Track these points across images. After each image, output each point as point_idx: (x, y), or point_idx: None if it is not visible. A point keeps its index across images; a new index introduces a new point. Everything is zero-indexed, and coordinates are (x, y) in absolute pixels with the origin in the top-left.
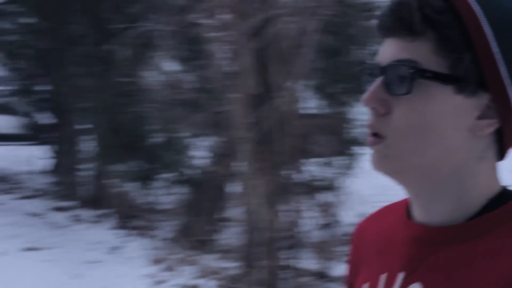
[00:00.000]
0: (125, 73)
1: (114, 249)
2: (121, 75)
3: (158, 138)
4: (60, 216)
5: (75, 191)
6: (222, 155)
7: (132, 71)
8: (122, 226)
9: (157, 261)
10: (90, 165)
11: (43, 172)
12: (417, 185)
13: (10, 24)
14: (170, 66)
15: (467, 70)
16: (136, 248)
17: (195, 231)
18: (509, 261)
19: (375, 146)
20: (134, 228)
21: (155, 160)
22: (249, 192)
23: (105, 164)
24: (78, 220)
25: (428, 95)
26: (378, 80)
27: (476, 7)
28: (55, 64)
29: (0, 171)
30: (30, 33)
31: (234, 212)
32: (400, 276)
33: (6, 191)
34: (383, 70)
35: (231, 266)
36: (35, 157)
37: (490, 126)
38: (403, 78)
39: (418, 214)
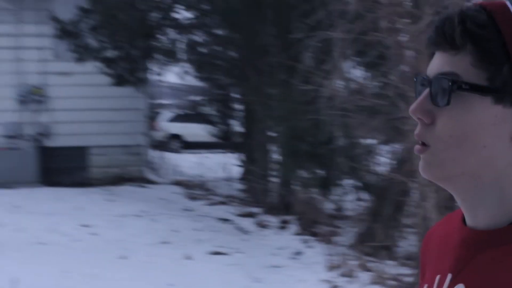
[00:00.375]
0: (308, 80)
1: (296, 254)
2: (304, 83)
3: (339, 145)
4: (247, 222)
5: (262, 197)
6: (403, 162)
7: (315, 78)
8: (305, 232)
9: (335, 267)
10: (276, 172)
11: (233, 179)
12: (462, 191)
13: (203, 36)
14: (352, 72)
15: (505, 82)
16: (317, 253)
17: (375, 237)
18: None
19: (421, 154)
20: (316, 234)
21: (337, 166)
22: (423, 199)
23: (289, 171)
24: (263, 226)
25: (468, 106)
26: (425, 92)
27: None
28: (245, 74)
29: (194, 178)
30: (221, 44)
31: (414, 219)
32: (449, 277)
33: (198, 198)
34: (429, 82)
35: (408, 273)
36: (226, 165)
37: None
38: (444, 90)
39: (467, 218)
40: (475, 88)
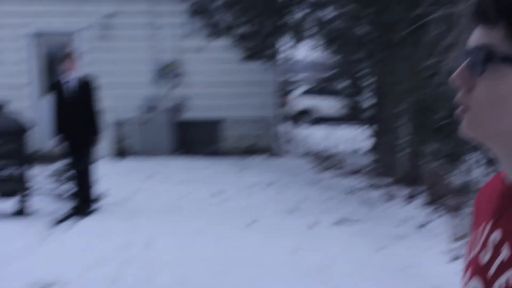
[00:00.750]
0: (433, 54)
1: (421, 225)
2: (429, 57)
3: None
4: (374, 193)
5: (391, 169)
6: None
7: (439, 52)
8: (432, 204)
9: (460, 238)
10: (406, 145)
11: (363, 152)
12: (500, 149)
13: (333, 12)
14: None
15: None
16: (442, 225)
17: None
18: None
19: (462, 116)
20: (442, 206)
21: (463, 140)
22: None
23: (417, 143)
24: (391, 197)
25: (501, 75)
26: (464, 62)
27: None
28: (374, 49)
29: (324, 151)
30: (351, 20)
31: None
32: (490, 224)
33: (327, 169)
34: (468, 53)
35: None
36: (355, 138)
37: None
38: (479, 61)
39: (507, 174)
40: (507, 59)
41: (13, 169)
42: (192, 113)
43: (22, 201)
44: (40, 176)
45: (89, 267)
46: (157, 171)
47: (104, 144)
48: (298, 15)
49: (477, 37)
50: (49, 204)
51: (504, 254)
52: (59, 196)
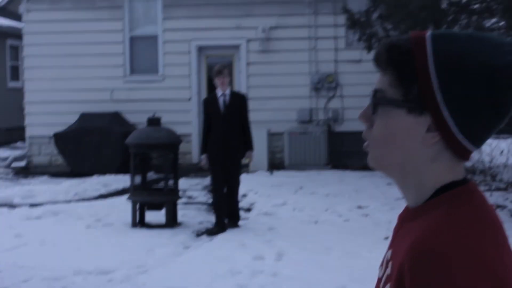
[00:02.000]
0: None
1: None
2: None
3: None
4: None
5: None
6: None
7: None
8: None
9: None
10: None
11: None
12: (394, 178)
13: (492, 20)
14: None
15: (414, 97)
16: None
17: None
18: (413, 237)
19: (366, 149)
20: None
21: None
22: None
23: None
24: None
25: (389, 115)
26: (369, 102)
27: (429, 50)
28: None
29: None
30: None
31: None
32: (389, 244)
33: (480, 183)
34: (371, 95)
35: None
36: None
37: (434, 137)
38: (373, 102)
39: (404, 200)
40: (393, 102)
41: (167, 181)
42: (346, 125)
43: (171, 212)
44: (191, 188)
45: (219, 277)
46: (306, 184)
47: (257, 157)
48: (459, 24)
49: (377, 82)
50: (197, 216)
51: (388, 270)
52: (208, 208)
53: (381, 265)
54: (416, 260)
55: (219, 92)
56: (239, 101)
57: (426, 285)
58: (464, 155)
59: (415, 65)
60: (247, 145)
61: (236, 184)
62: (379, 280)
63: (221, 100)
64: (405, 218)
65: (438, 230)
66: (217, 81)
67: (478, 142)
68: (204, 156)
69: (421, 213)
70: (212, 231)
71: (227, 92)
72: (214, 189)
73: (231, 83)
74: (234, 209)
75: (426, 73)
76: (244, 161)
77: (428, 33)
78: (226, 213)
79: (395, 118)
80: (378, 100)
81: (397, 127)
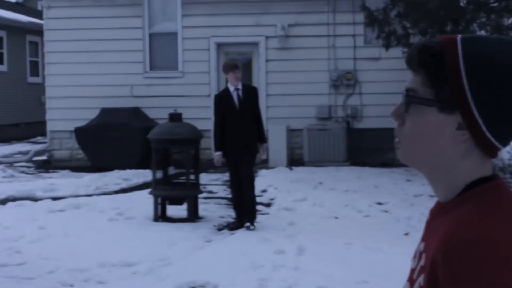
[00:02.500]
0: None
1: None
2: None
3: None
4: None
5: None
6: None
7: None
8: None
9: None
10: None
11: None
12: (426, 174)
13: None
14: None
15: (445, 97)
16: None
17: None
18: (445, 230)
19: (397, 146)
20: None
21: None
22: None
23: None
24: None
25: (421, 113)
26: (401, 101)
27: (460, 52)
28: None
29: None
30: None
31: None
32: (421, 237)
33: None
34: (402, 93)
35: None
36: None
37: (464, 135)
38: (406, 101)
39: (435, 195)
40: (425, 101)
41: (188, 175)
42: (365, 122)
43: (192, 206)
44: (211, 183)
45: (241, 270)
46: (326, 180)
47: (276, 153)
48: (478, 23)
49: (409, 80)
50: (217, 210)
51: (422, 261)
52: (227, 203)
53: (414, 256)
54: (447, 252)
55: (231, 87)
56: (252, 95)
57: (457, 276)
58: (492, 152)
59: (446, 67)
60: (261, 138)
61: (253, 179)
62: (413, 270)
63: (235, 95)
64: (436, 212)
65: (468, 224)
66: (232, 76)
67: (505, 140)
68: (218, 154)
69: (452, 208)
70: (233, 227)
71: (239, 86)
72: (232, 186)
73: (249, 79)
74: (251, 207)
75: (457, 74)
76: (259, 155)
77: (459, 36)
78: (244, 210)
79: (427, 116)
80: (411, 99)
81: (428, 125)
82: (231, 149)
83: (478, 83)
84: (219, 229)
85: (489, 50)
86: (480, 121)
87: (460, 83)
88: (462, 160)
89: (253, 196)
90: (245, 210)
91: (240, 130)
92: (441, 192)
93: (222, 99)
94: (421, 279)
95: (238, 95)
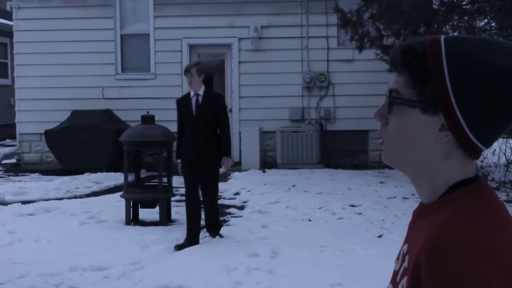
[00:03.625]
0: None
1: None
2: None
3: None
4: None
5: None
6: None
7: None
8: None
9: None
10: None
11: None
12: (409, 175)
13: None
14: None
15: (428, 98)
16: None
17: None
18: (428, 232)
19: (380, 146)
20: None
21: None
22: None
23: None
24: None
25: (404, 114)
26: (384, 102)
27: (443, 52)
28: None
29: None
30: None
31: None
32: (404, 239)
33: None
34: (386, 94)
35: None
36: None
37: (447, 136)
38: (389, 101)
39: (418, 196)
40: (407, 102)
41: (161, 178)
42: (339, 124)
43: (165, 210)
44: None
45: (215, 273)
46: (299, 183)
47: (249, 155)
48: (450, 25)
49: (392, 81)
50: None
51: (405, 263)
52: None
53: (397, 258)
54: (431, 253)
55: (192, 92)
56: (213, 102)
57: (440, 277)
58: (475, 153)
59: (429, 67)
60: (224, 150)
61: (212, 193)
62: (396, 273)
63: (193, 101)
64: (420, 214)
65: (452, 225)
66: (190, 80)
67: (488, 141)
68: (179, 162)
69: (435, 209)
70: (182, 245)
71: (200, 92)
72: (186, 197)
73: (222, 80)
74: (214, 219)
75: (440, 75)
76: (221, 168)
77: (442, 36)
78: (199, 224)
79: (410, 117)
80: (394, 100)
81: (411, 126)
82: (184, 158)
83: (461, 84)
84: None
85: (473, 51)
86: (463, 122)
87: (443, 84)
88: (445, 161)
89: (215, 210)
90: (207, 225)
91: (193, 139)
92: (424, 193)
93: (181, 104)
94: (404, 281)
95: (197, 101)
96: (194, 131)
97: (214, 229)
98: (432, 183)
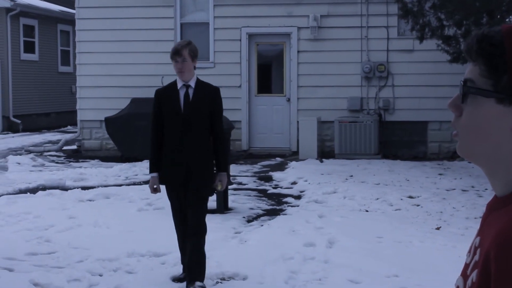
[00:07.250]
0: None
1: None
2: None
3: None
4: None
5: None
6: None
7: None
8: None
9: None
10: None
11: None
12: (483, 167)
13: None
14: None
15: (504, 88)
16: None
17: None
18: (499, 226)
19: (455, 138)
20: None
21: None
22: None
23: None
24: None
25: (478, 104)
26: (458, 92)
27: None
28: None
29: None
30: None
31: None
32: (477, 231)
33: None
34: (460, 84)
35: None
36: None
37: None
38: (463, 91)
39: (492, 188)
40: (483, 92)
41: None
42: (398, 115)
43: (222, 198)
44: (240, 174)
45: (270, 262)
46: (357, 173)
47: (307, 145)
48: None
49: (467, 71)
50: (247, 202)
51: (476, 256)
52: (258, 195)
53: (469, 251)
54: (501, 247)
55: (179, 82)
56: (209, 97)
57: (510, 273)
58: None
59: (506, 56)
60: (219, 164)
61: (197, 230)
62: (467, 265)
63: (181, 93)
64: (493, 207)
65: None
66: (174, 66)
67: None
68: (153, 176)
69: (508, 202)
70: (180, 278)
71: (192, 83)
72: (175, 223)
73: (281, 70)
74: (193, 263)
75: None
76: (215, 187)
77: None
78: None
79: (484, 107)
80: (468, 90)
81: (486, 117)
82: (167, 174)
83: None
84: (249, 221)
85: None
86: None
87: None
88: None
89: (202, 254)
90: (188, 271)
91: (180, 146)
92: (498, 186)
93: (162, 98)
94: (474, 275)
95: (186, 94)
96: (181, 134)
97: (196, 278)
98: (507, 175)
